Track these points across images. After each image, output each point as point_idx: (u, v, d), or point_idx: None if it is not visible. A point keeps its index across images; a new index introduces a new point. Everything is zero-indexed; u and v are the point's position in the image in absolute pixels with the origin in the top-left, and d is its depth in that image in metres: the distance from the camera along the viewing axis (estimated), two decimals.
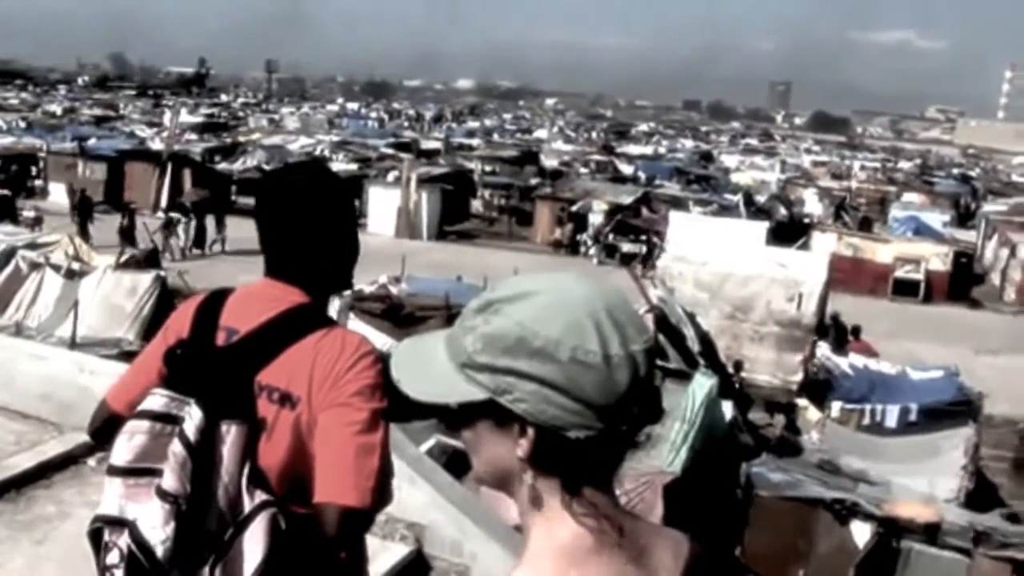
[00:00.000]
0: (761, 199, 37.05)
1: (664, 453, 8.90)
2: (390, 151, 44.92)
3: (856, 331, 16.12)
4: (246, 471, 1.77)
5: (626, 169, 47.02)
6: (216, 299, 2.00)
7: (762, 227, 27.39)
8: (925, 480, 9.87)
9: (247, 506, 1.76)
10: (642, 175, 43.69)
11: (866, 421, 11.92)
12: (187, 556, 1.73)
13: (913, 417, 11.63)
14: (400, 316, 13.59)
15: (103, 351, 10.88)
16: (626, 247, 29.14)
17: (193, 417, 1.74)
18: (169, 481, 1.72)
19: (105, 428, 1.95)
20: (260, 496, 1.77)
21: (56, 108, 69.04)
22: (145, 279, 14.81)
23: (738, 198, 35.28)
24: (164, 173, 31.30)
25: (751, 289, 16.91)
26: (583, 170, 45.61)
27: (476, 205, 37.64)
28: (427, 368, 1.09)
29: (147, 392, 1.82)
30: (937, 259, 27.59)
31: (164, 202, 29.45)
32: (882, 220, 36.85)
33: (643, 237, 29.30)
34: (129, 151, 35.57)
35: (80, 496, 4.14)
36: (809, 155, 75.89)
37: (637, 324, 1.06)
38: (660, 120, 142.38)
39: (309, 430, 1.83)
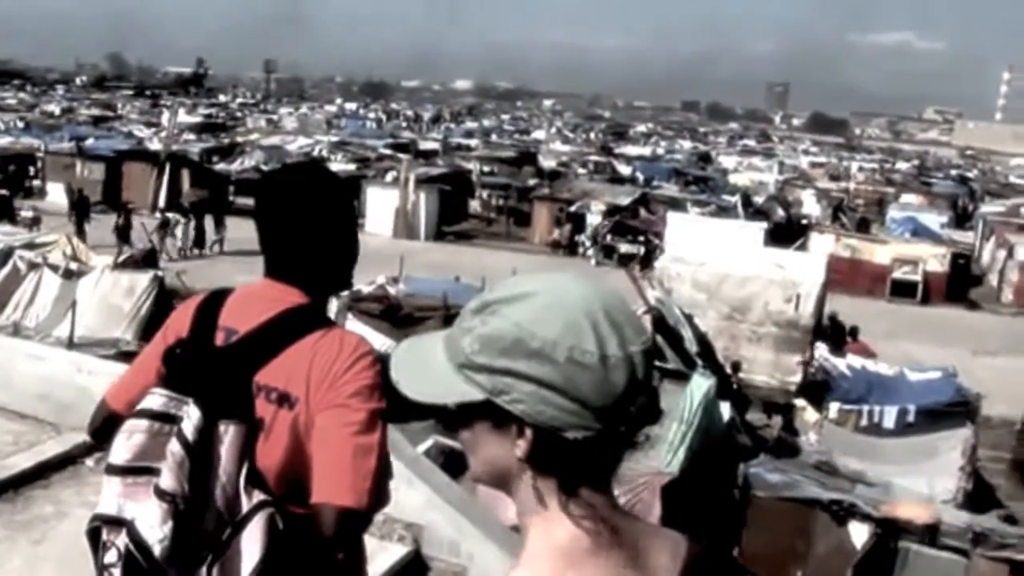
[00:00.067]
0: (759, 200, 37.07)
1: (662, 454, 8.90)
2: (388, 151, 44.92)
3: (854, 332, 16.15)
4: (244, 471, 1.77)
5: (624, 170, 47.08)
6: (216, 299, 2.00)
7: (760, 228, 27.46)
8: (923, 481, 9.88)
9: (245, 506, 1.76)
10: (640, 176, 43.75)
11: (864, 422, 11.92)
12: (185, 555, 1.73)
13: (911, 418, 11.63)
14: (398, 316, 13.60)
15: (101, 351, 10.87)
16: (624, 248, 29.17)
17: (191, 417, 1.75)
18: (167, 480, 1.72)
19: (105, 427, 1.96)
20: (258, 496, 1.77)
21: (54, 108, 69.07)
22: (143, 279, 14.80)
23: (736, 199, 35.32)
24: (162, 173, 31.32)
25: (749, 290, 16.91)
26: (581, 171, 45.69)
27: (474, 205, 37.65)
28: (426, 369, 1.09)
29: (147, 391, 1.82)
30: (935, 260, 27.64)
31: (162, 202, 29.46)
32: (880, 221, 36.90)
33: (641, 238, 29.35)
34: (127, 151, 35.56)
35: (78, 496, 4.14)
36: (807, 156, 76.01)
37: (635, 325, 1.06)
38: (658, 121, 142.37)
39: (307, 430, 1.83)
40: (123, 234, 23.14)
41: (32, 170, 34.43)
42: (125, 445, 1.77)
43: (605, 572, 1.06)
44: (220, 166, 37.64)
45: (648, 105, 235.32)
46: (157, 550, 1.70)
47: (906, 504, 8.90)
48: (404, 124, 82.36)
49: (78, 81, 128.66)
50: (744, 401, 13.67)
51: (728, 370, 14.40)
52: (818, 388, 13.16)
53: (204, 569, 1.74)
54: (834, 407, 12.31)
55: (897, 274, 27.31)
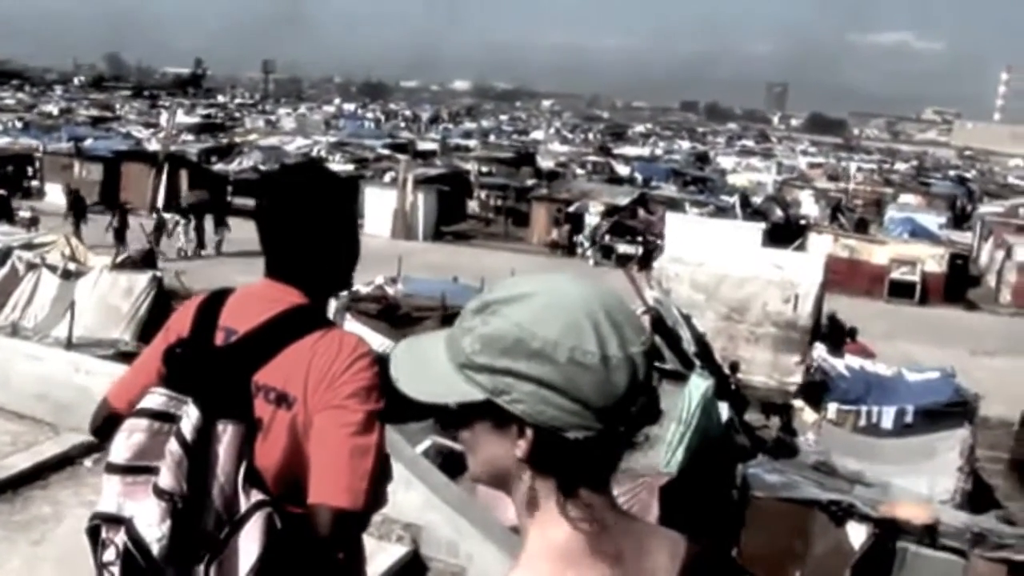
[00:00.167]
0: (757, 200, 37.08)
1: (660, 454, 8.89)
2: (387, 152, 44.91)
3: (852, 332, 16.15)
4: (242, 471, 1.77)
5: (622, 170, 47.10)
6: (217, 299, 2.01)
7: (758, 228, 27.48)
8: (921, 481, 9.88)
9: (243, 505, 1.76)
10: (638, 176, 43.79)
11: (862, 422, 11.93)
12: (183, 554, 1.73)
13: (909, 418, 11.64)
14: (396, 317, 13.63)
15: (99, 351, 10.85)
16: (622, 248, 29.20)
17: (190, 416, 1.75)
18: (166, 479, 1.72)
19: (106, 426, 1.96)
20: (256, 496, 1.77)
21: (52, 108, 68.99)
22: (141, 280, 14.80)
23: (734, 199, 35.31)
24: (160, 174, 31.29)
25: (747, 290, 16.92)
26: (579, 171, 45.72)
27: (472, 206, 37.66)
28: (426, 368, 1.09)
29: (147, 391, 1.83)
30: (933, 261, 27.66)
31: (160, 203, 29.44)
32: (878, 222, 36.91)
33: (639, 238, 29.37)
34: (125, 152, 35.59)
35: (76, 496, 4.14)
36: (805, 156, 75.89)
37: (635, 325, 1.06)
38: (657, 121, 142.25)
39: (305, 431, 1.84)
40: (119, 235, 23.19)
41: (30, 170, 34.42)
42: (125, 444, 1.77)
43: (604, 572, 1.06)
44: (218, 166, 37.60)
45: (647, 105, 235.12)
46: (155, 549, 1.70)
47: (904, 504, 8.90)
48: (402, 124, 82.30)
49: (76, 81, 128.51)
50: (742, 401, 13.67)
51: (726, 370, 14.38)
52: (816, 388, 13.17)
53: (202, 568, 1.74)
54: (832, 407, 12.31)
55: (895, 274, 27.34)
